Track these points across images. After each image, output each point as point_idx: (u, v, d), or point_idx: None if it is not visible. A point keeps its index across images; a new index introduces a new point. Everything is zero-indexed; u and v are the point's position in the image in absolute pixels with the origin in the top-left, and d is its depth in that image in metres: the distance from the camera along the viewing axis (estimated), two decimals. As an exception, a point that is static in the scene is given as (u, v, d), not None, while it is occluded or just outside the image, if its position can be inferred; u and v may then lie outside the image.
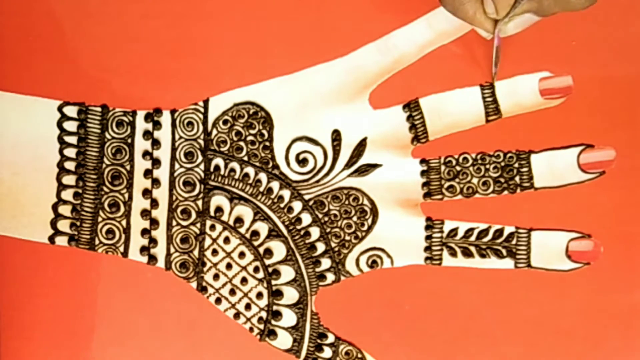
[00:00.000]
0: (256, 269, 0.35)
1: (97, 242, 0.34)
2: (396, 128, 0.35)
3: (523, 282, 0.35)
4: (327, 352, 0.35)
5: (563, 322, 0.35)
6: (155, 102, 0.34)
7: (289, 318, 0.35)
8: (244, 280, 0.35)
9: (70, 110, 0.34)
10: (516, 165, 0.35)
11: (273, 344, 0.35)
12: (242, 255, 0.35)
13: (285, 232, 0.35)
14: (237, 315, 0.35)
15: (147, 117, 0.34)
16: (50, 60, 0.34)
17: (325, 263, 0.35)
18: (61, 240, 0.34)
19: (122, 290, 0.35)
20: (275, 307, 0.35)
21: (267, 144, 0.35)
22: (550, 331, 0.35)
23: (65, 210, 0.34)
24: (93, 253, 0.34)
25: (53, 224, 0.34)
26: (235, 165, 0.35)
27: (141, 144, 0.34)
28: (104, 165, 0.34)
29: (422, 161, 0.35)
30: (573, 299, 0.35)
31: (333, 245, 0.35)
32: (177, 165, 0.34)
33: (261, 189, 0.35)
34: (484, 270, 0.35)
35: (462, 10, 0.29)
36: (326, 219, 0.35)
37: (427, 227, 0.35)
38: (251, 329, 0.35)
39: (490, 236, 0.35)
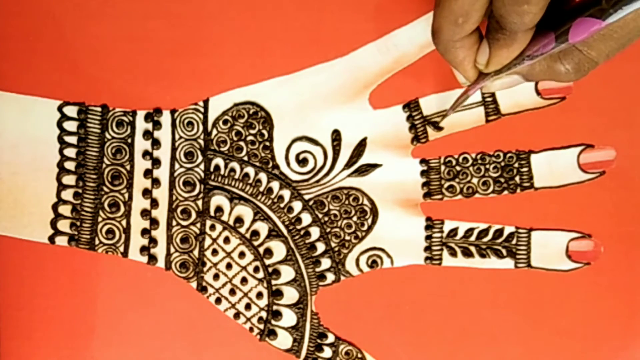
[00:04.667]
0: (256, 269, 0.35)
1: (97, 242, 0.34)
2: (396, 128, 0.35)
3: (523, 282, 0.35)
4: (327, 352, 0.35)
5: (563, 322, 0.35)
6: (155, 102, 0.34)
7: (289, 318, 0.35)
8: (244, 280, 0.35)
9: (70, 110, 0.34)
10: (516, 165, 0.35)
11: (273, 344, 0.35)
12: (242, 255, 0.35)
13: (285, 232, 0.35)
14: (237, 315, 0.35)
15: (147, 117, 0.34)
16: (50, 60, 0.34)
17: (325, 263, 0.35)
18: (61, 240, 0.34)
19: (122, 290, 0.35)
20: (275, 307, 0.35)
21: (267, 144, 0.35)
22: (550, 331, 0.35)
23: (65, 210, 0.34)
24: (93, 253, 0.34)
25: (53, 223, 0.34)
26: (235, 165, 0.35)
27: (141, 144, 0.34)
28: (104, 165, 0.34)
29: (422, 161, 0.35)
30: (573, 299, 0.35)
31: (333, 245, 0.35)
32: (177, 165, 0.34)
33: (261, 189, 0.35)
34: (484, 270, 0.35)
35: (453, 52, 0.28)
36: (326, 219, 0.35)
37: (427, 227, 0.35)
38: (251, 329, 0.35)
39: (490, 236, 0.35)
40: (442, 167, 0.35)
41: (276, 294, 0.35)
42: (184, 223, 0.35)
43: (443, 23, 0.27)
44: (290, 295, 0.35)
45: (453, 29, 0.27)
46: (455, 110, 0.33)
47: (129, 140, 0.34)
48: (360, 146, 0.35)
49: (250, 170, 0.35)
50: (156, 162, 0.34)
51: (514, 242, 0.35)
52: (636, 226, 0.35)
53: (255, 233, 0.35)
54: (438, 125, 0.34)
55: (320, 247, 0.35)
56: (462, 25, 0.26)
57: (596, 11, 0.25)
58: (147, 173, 0.34)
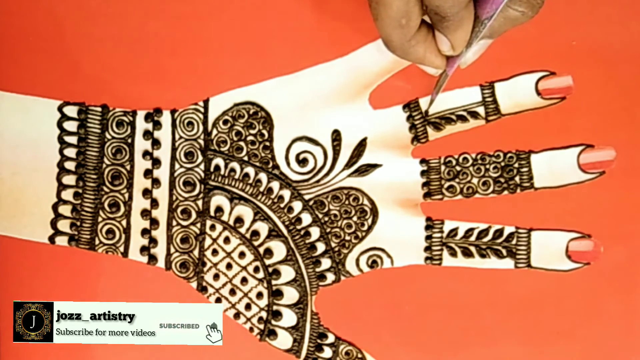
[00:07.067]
0: (256, 269, 0.35)
1: (97, 242, 0.34)
2: (396, 128, 0.35)
3: (523, 282, 0.35)
4: (327, 352, 0.35)
5: (563, 322, 0.35)
6: (155, 102, 0.34)
7: (289, 318, 0.35)
8: (244, 280, 0.35)
9: (71, 110, 0.34)
10: (516, 165, 0.35)
11: (273, 344, 0.35)
12: (242, 255, 0.35)
13: (285, 232, 0.35)
14: (237, 315, 0.35)
15: (147, 117, 0.34)
16: (50, 60, 0.34)
17: (326, 263, 0.35)
18: (61, 240, 0.34)
19: (122, 290, 0.34)
20: (275, 307, 0.35)
21: (267, 144, 0.35)
22: (550, 331, 0.35)
23: (65, 210, 0.34)
24: (93, 253, 0.34)
25: (53, 224, 0.34)
26: (235, 165, 0.35)
27: (141, 144, 0.34)
28: (104, 165, 0.34)
29: (422, 161, 0.35)
30: (573, 299, 0.35)
31: (333, 245, 0.35)
32: (177, 165, 0.34)
33: (261, 189, 0.35)
34: (484, 270, 0.35)
35: (413, 52, 0.29)
36: (326, 219, 0.35)
37: (427, 227, 0.35)
38: (251, 329, 0.35)
39: (490, 236, 0.35)
40: (442, 167, 0.35)
41: (276, 294, 0.35)
42: (184, 223, 0.35)
43: (389, 30, 0.28)
44: (290, 295, 0.35)
45: (401, 32, 0.28)
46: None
47: (129, 140, 0.34)
48: (360, 146, 0.35)
49: (250, 170, 0.35)
50: (156, 162, 0.34)
51: (514, 242, 0.35)
52: (636, 226, 0.35)
53: (256, 233, 0.35)
54: (438, 125, 0.35)
55: (320, 247, 0.35)
56: (407, 25, 0.27)
57: None
58: (147, 173, 0.34)
